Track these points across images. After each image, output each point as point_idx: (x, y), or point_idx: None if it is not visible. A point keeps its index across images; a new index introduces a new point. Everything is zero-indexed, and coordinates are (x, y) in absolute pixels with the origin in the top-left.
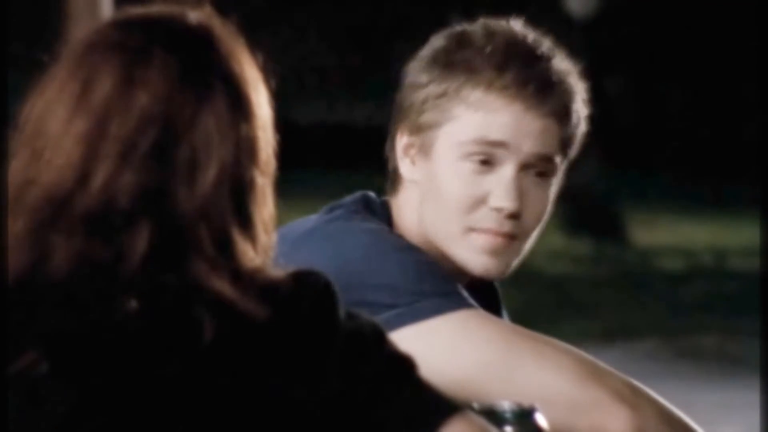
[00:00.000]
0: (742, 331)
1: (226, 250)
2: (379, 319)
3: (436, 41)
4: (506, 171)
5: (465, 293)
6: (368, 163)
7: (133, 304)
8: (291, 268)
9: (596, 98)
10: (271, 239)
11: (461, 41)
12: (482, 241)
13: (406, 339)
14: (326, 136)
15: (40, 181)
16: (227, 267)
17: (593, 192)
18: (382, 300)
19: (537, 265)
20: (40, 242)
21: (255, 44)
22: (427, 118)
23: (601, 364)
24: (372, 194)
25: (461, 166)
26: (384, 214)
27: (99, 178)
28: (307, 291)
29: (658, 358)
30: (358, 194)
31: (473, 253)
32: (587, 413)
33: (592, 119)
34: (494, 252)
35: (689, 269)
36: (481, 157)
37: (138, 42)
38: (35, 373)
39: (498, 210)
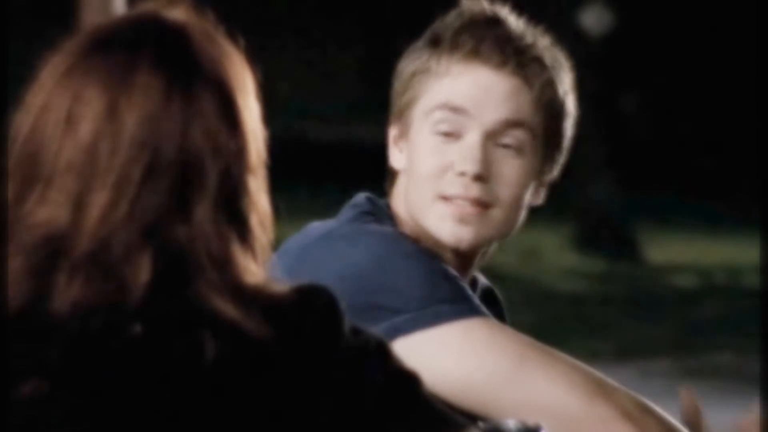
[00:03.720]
0: (756, 349)
1: (226, 268)
2: (390, 323)
3: None
4: (470, 138)
5: (477, 300)
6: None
7: (138, 328)
8: (295, 282)
9: (611, 116)
10: (269, 238)
11: (435, 25)
12: (450, 209)
13: (416, 345)
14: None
15: (35, 217)
16: (229, 286)
17: (606, 210)
18: (393, 305)
19: (549, 283)
20: (40, 282)
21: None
22: (403, 100)
23: (610, 380)
24: (373, 195)
25: (430, 139)
26: (388, 214)
27: (95, 212)
28: (310, 308)
29: (671, 377)
30: (362, 196)
31: (442, 221)
32: (593, 429)
33: (606, 137)
34: (462, 220)
35: (703, 287)
36: (446, 127)
37: (119, 61)
38: (37, 396)
39: (461, 174)
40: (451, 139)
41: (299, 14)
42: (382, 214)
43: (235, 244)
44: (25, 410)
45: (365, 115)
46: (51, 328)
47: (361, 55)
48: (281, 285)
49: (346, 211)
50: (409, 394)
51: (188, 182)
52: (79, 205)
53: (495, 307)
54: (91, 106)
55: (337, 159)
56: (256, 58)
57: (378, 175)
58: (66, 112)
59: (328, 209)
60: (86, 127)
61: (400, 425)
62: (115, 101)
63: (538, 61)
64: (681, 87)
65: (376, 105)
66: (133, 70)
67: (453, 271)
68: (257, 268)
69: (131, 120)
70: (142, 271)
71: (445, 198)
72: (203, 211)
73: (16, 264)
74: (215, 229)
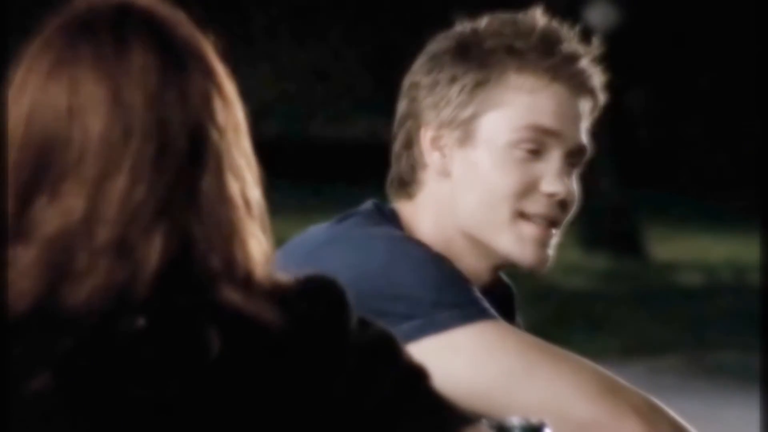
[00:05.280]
0: (762, 346)
1: (234, 240)
2: (398, 329)
3: (443, 39)
4: (555, 157)
5: (485, 303)
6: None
7: (141, 321)
8: (302, 273)
9: (616, 113)
10: (260, 194)
11: (487, 31)
12: (531, 231)
13: (426, 350)
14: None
15: (49, 212)
16: (238, 272)
17: (611, 207)
18: (402, 311)
19: (555, 281)
20: (59, 273)
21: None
22: (465, 108)
23: (619, 379)
24: (379, 202)
25: (510, 153)
26: (395, 221)
27: (114, 198)
28: (318, 299)
29: (677, 374)
30: (368, 203)
31: (523, 244)
32: (603, 428)
33: (612, 134)
34: (543, 243)
35: (708, 285)
36: (532, 146)
37: (109, 46)
38: (43, 392)
39: (550, 195)
40: (534, 156)
41: (302, 13)
42: (387, 220)
43: (241, 210)
44: (31, 406)
45: (367, 114)
46: (60, 323)
47: (365, 54)
48: (289, 275)
49: (352, 216)
50: (417, 388)
51: (194, 155)
52: (96, 193)
53: (510, 305)
54: (93, 95)
55: (339, 158)
56: (256, 58)
57: (377, 175)
58: (66, 104)
59: (331, 207)
60: (94, 116)
61: (408, 419)
62: (116, 86)
63: (597, 84)
64: (686, 84)
65: (379, 104)
66: (125, 53)
67: (461, 274)
68: (260, 232)
69: (138, 102)
70: (153, 256)
71: (525, 216)
72: (210, 181)
73: (27, 259)
74: (222, 197)
